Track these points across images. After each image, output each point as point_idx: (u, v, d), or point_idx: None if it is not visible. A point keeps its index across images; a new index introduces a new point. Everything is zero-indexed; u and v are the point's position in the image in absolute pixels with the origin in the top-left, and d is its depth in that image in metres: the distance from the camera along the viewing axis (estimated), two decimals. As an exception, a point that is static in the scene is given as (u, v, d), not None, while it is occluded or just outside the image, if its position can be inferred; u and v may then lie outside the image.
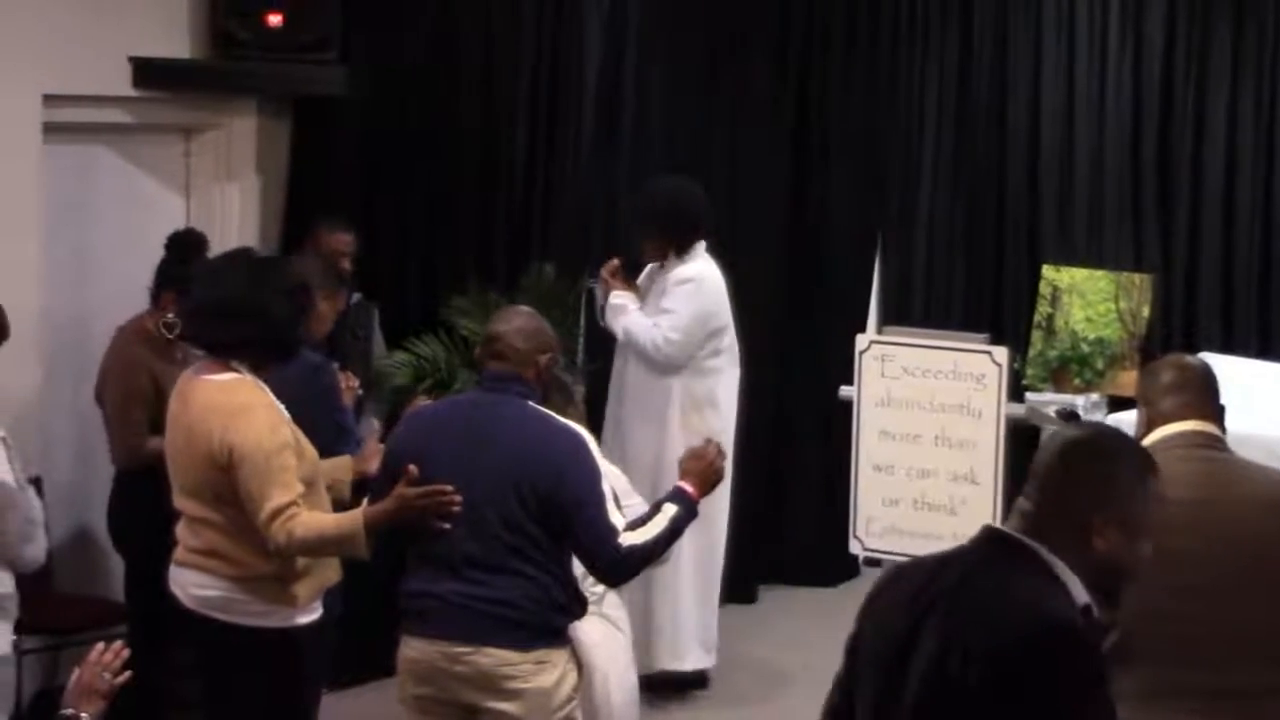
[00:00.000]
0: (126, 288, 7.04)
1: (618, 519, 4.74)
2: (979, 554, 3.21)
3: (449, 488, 4.72)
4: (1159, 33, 7.85)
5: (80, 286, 7.53)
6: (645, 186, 7.28)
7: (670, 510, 4.82)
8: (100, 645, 4.06)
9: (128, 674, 4.04)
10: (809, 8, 8.31)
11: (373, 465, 5.25)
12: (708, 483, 4.94)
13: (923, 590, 3.17)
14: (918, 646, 3.10)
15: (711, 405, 7.13)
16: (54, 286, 7.23)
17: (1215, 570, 3.89)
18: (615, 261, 7.19)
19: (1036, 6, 8.03)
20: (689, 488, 4.89)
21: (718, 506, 6.98)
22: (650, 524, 4.78)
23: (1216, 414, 4.13)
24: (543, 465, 4.73)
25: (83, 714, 3.96)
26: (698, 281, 7.04)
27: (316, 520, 4.83)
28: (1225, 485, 4.00)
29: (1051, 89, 8.00)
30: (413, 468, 4.73)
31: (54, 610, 6.62)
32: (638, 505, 5.20)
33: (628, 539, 4.72)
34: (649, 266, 7.23)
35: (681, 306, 7.01)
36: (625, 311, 7.07)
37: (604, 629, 5.36)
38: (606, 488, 4.77)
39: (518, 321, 4.96)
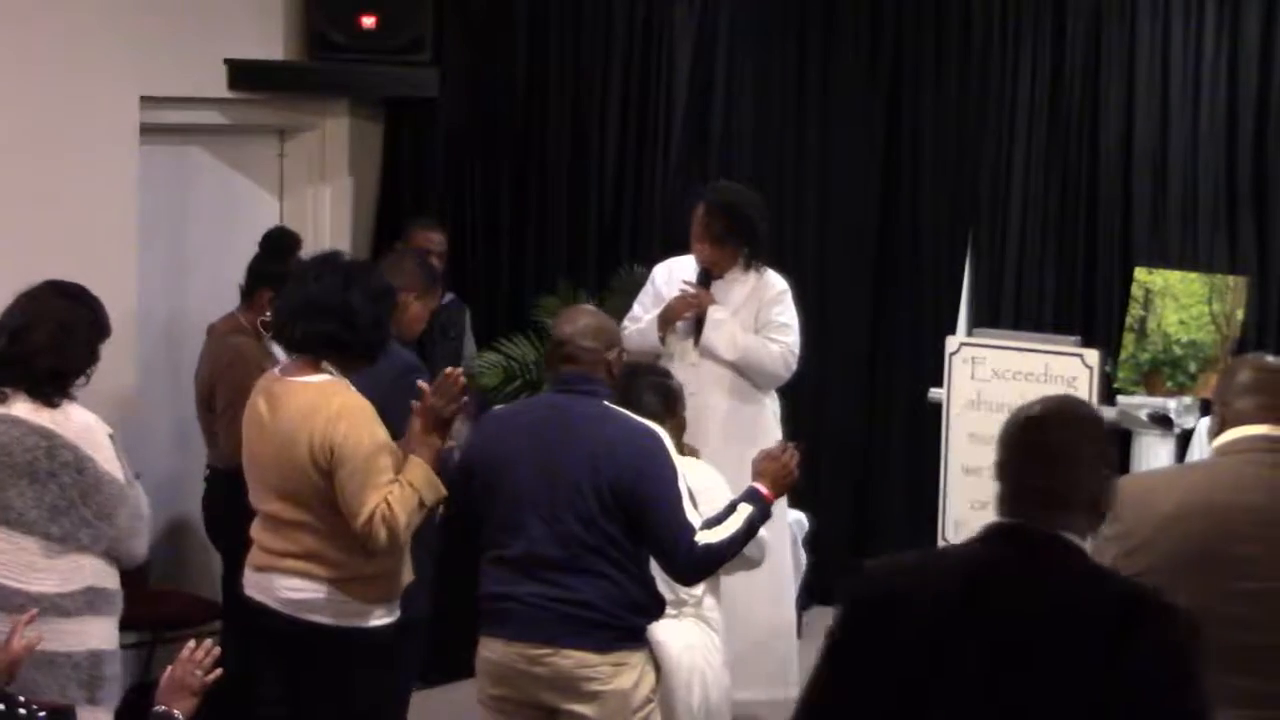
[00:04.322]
0: (221, 287, 7.11)
1: (694, 517, 4.75)
2: (1005, 552, 3.11)
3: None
4: (1255, 33, 7.76)
5: (176, 285, 7.62)
6: (721, 192, 6.76)
7: (745, 510, 4.83)
8: (192, 643, 4.10)
9: (219, 671, 4.09)
10: (899, 8, 8.27)
11: None
12: (781, 484, 4.96)
13: (962, 597, 3.08)
14: (990, 651, 3.03)
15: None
16: (150, 286, 7.31)
17: (1278, 578, 3.83)
18: (691, 283, 6.61)
19: (1131, 6, 7.96)
20: (763, 488, 4.90)
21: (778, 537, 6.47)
22: (726, 523, 4.79)
23: None
24: (620, 463, 4.74)
25: (175, 711, 4.01)
26: (789, 291, 6.72)
27: (401, 497, 4.83)
28: None
29: (1145, 89, 7.92)
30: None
31: (149, 606, 6.68)
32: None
33: (703, 537, 4.73)
34: (681, 276, 6.66)
35: (792, 319, 6.64)
36: (732, 328, 6.58)
37: (699, 630, 5.35)
38: (683, 486, 4.78)
39: (583, 321, 4.97)
